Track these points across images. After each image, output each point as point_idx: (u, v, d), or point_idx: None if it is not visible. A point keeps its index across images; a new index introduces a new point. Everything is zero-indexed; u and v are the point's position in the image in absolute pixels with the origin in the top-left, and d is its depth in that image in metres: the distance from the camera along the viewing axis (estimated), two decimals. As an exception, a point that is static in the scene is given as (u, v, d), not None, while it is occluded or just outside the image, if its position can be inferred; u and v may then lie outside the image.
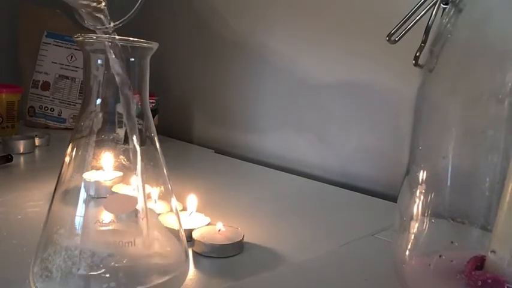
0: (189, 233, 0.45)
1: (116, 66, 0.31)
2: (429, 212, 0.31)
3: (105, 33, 0.30)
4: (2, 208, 0.54)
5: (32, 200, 0.56)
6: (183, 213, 0.50)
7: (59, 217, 0.33)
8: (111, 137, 0.33)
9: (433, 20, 0.31)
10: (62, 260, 0.31)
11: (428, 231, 0.32)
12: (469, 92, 0.30)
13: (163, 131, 0.91)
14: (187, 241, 0.35)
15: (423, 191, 0.31)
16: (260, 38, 0.84)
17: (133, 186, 0.36)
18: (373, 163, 0.71)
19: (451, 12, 0.31)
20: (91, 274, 0.31)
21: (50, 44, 0.98)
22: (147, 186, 0.36)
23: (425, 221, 0.31)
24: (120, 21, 0.30)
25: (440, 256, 0.31)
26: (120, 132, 0.33)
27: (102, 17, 0.30)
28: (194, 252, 0.45)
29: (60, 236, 0.32)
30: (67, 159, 0.33)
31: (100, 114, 0.32)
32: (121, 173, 0.35)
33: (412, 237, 0.32)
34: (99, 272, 0.31)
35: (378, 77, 0.69)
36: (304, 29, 0.78)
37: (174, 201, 0.36)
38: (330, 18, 0.74)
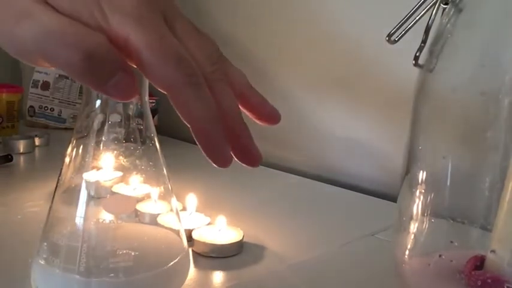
0: (189, 233, 0.45)
1: None
2: (429, 212, 0.31)
3: None
4: (2, 208, 0.54)
5: (32, 200, 0.56)
6: (183, 213, 0.50)
7: (59, 217, 0.33)
8: (111, 137, 0.33)
9: (433, 20, 0.31)
10: (62, 260, 0.31)
11: (428, 231, 0.32)
12: (469, 92, 0.30)
13: (163, 131, 0.91)
14: (188, 241, 0.35)
15: (423, 191, 0.31)
16: (259, 37, 0.84)
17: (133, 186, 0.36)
18: (373, 163, 0.71)
19: (451, 12, 0.31)
20: (91, 274, 0.31)
21: (50, 44, 0.98)
22: (147, 186, 0.36)
23: (425, 221, 0.31)
24: None
25: (440, 256, 0.31)
26: (120, 132, 0.33)
27: None
28: (194, 252, 0.45)
29: (60, 236, 0.32)
30: (67, 159, 0.33)
31: (100, 114, 0.32)
32: (121, 173, 0.35)
33: (412, 237, 0.32)
34: (98, 272, 0.31)
35: (377, 76, 0.69)
36: (302, 26, 0.78)
37: (174, 201, 0.36)
38: (330, 16, 0.74)
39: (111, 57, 0.25)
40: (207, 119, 0.27)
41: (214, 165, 0.28)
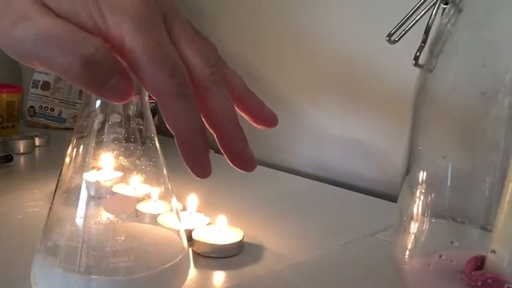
0: (189, 233, 0.45)
1: None
2: (429, 212, 0.31)
3: None
4: (2, 208, 0.54)
5: (32, 200, 0.56)
6: (183, 213, 0.50)
7: (59, 217, 0.33)
8: (111, 137, 0.33)
9: (433, 20, 0.31)
10: (62, 260, 0.31)
11: (428, 231, 0.32)
12: (469, 92, 0.30)
13: (163, 131, 0.91)
14: (188, 241, 0.35)
15: (423, 191, 0.31)
16: (258, 38, 0.84)
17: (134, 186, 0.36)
18: (372, 163, 0.71)
19: (451, 12, 0.31)
20: (91, 274, 0.31)
21: (50, 44, 0.98)
22: (147, 186, 0.36)
23: (425, 221, 0.31)
24: None
25: (440, 256, 0.31)
26: (120, 132, 0.33)
27: None
28: (194, 252, 0.45)
29: (60, 236, 0.32)
30: (67, 159, 0.33)
31: (100, 115, 0.32)
32: (121, 173, 0.35)
33: (412, 237, 0.32)
34: (99, 271, 0.31)
35: (378, 76, 0.69)
36: (302, 26, 0.78)
37: (174, 201, 0.36)
38: (330, 16, 0.74)
39: (108, 62, 0.25)
40: (190, 130, 0.27)
41: (194, 175, 0.28)
